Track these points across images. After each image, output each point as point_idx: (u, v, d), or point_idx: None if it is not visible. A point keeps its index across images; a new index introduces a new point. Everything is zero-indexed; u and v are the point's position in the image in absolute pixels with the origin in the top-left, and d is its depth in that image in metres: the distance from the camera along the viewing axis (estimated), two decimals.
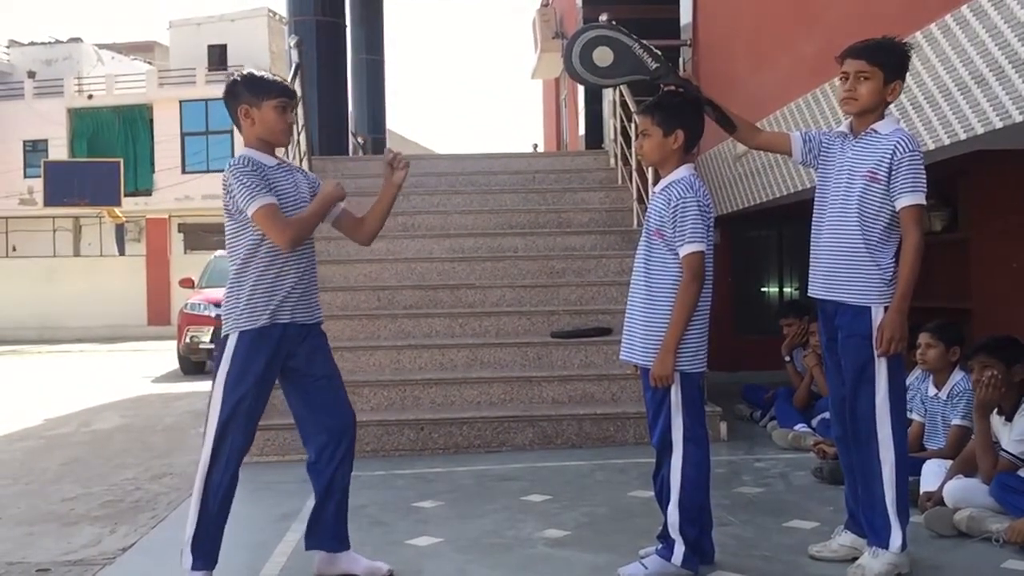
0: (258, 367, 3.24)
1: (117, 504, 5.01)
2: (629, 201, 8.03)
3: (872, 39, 3.25)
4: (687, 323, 3.22)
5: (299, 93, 8.34)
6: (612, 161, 8.95)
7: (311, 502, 4.46)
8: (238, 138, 28.43)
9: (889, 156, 3.14)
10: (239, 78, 3.31)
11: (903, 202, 3.13)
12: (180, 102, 27.72)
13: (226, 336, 3.26)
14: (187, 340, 12.31)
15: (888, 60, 3.19)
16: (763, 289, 9.83)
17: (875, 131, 3.21)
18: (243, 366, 3.22)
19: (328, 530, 3.41)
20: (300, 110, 7.81)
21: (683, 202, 3.23)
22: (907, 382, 4.20)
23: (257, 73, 3.34)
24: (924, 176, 3.14)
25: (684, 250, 3.22)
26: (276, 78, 3.37)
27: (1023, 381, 3.89)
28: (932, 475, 4.04)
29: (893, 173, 3.14)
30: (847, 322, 3.23)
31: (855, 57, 3.21)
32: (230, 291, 3.27)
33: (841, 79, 3.27)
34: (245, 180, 3.17)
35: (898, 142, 3.15)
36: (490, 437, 5.73)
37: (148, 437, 7.28)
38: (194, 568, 3.22)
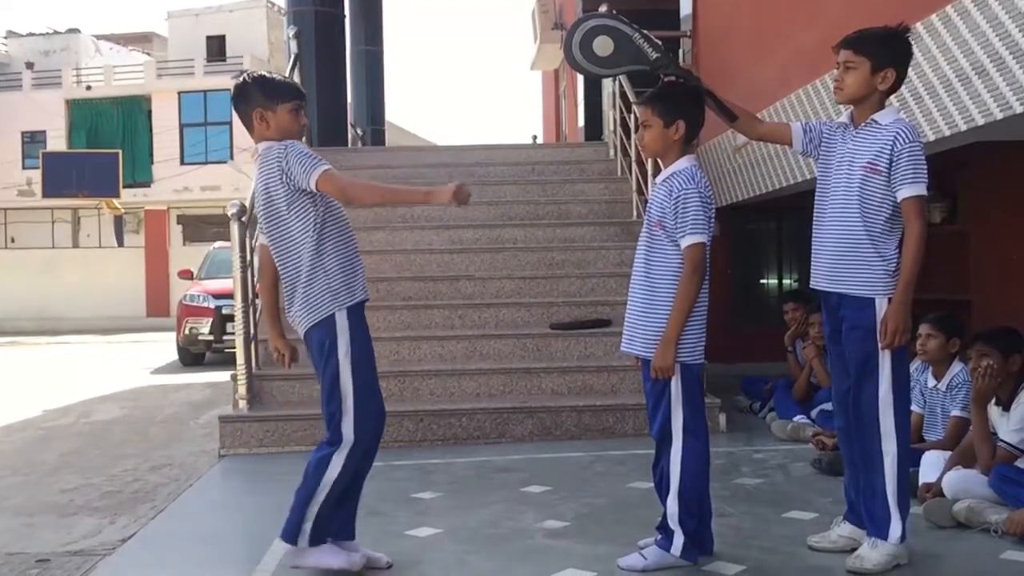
0: (370, 339, 3.27)
1: (117, 495, 5.01)
2: (629, 193, 8.02)
3: (864, 29, 3.25)
4: (688, 315, 3.22)
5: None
6: (612, 152, 8.94)
7: None
8: (237, 129, 28.54)
9: (889, 147, 3.13)
10: (251, 80, 3.29)
11: (904, 193, 3.12)
12: (179, 93, 27.71)
13: (327, 317, 3.18)
14: (186, 332, 12.29)
15: (875, 50, 3.18)
16: (762, 281, 9.83)
17: (875, 121, 3.20)
18: (362, 340, 3.23)
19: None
20: None
21: (684, 193, 3.22)
22: None
23: (268, 75, 3.33)
24: (925, 167, 3.13)
25: (685, 241, 3.21)
26: (287, 80, 3.37)
27: (1020, 371, 3.89)
28: (931, 466, 4.04)
29: (893, 164, 3.13)
30: (851, 314, 3.22)
31: (844, 47, 3.23)
32: (312, 274, 3.18)
33: (836, 68, 3.28)
34: (303, 150, 3.18)
35: (898, 133, 3.14)
36: (489, 428, 5.73)
37: (147, 428, 7.28)
38: (312, 543, 3.24)
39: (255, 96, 3.25)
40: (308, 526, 3.22)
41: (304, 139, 3.39)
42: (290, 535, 3.25)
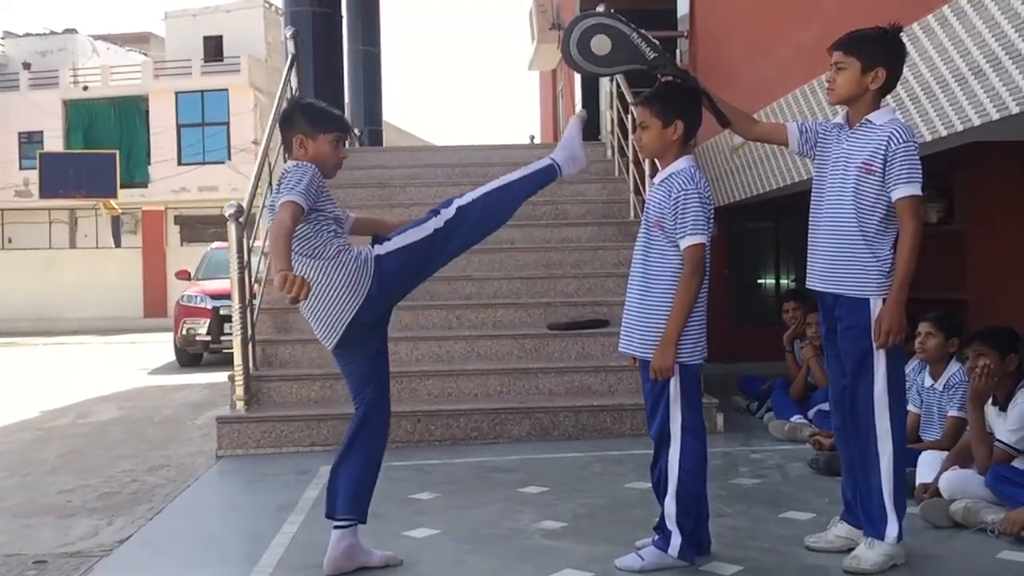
0: None
1: (114, 496, 5.01)
2: (626, 192, 8.03)
3: (855, 30, 3.26)
4: (688, 315, 3.22)
5: (294, 85, 8.31)
6: (609, 153, 8.94)
7: (309, 493, 4.51)
8: (234, 130, 28.47)
9: (884, 147, 3.14)
10: (298, 106, 3.36)
11: (899, 193, 3.12)
12: (176, 94, 27.66)
13: (377, 260, 3.23)
14: (184, 332, 12.27)
15: (864, 49, 3.19)
16: (760, 281, 9.84)
17: (870, 122, 3.21)
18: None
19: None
20: None
21: (684, 194, 3.22)
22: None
23: (316, 104, 3.38)
24: (919, 166, 3.14)
25: (685, 242, 3.21)
26: (334, 111, 3.38)
27: (1017, 370, 3.89)
28: (928, 466, 4.05)
29: (888, 164, 3.13)
30: (846, 313, 3.23)
31: (835, 48, 3.26)
32: (336, 260, 3.19)
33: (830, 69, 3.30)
34: (305, 175, 3.10)
35: (892, 133, 3.14)
36: (487, 429, 5.73)
37: (145, 429, 7.27)
38: None
39: (299, 122, 3.28)
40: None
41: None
42: None
